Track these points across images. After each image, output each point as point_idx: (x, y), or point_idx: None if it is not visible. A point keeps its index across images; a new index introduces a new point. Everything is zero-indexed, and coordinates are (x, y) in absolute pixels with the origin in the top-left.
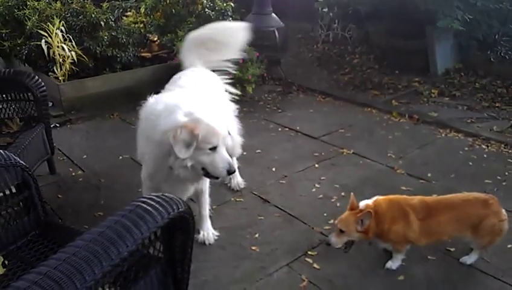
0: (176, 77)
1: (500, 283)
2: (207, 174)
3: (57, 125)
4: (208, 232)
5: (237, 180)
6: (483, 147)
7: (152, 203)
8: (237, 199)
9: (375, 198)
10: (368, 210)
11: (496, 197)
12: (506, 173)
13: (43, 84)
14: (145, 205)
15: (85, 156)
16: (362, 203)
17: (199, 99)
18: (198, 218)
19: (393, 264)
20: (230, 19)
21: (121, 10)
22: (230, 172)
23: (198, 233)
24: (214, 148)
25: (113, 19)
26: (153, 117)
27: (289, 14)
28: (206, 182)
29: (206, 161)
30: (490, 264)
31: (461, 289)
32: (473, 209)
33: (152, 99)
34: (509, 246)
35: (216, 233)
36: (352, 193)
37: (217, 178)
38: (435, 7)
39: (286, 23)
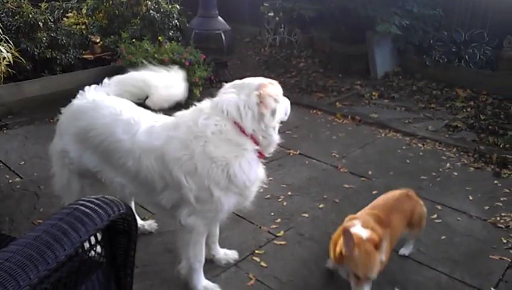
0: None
1: (435, 272)
2: None
3: None
4: (225, 251)
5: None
6: (420, 145)
7: (91, 205)
8: None
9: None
10: None
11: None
12: (440, 170)
13: None
14: (83, 208)
15: (23, 162)
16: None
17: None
18: (210, 243)
19: None
20: (176, 21)
21: (61, 11)
22: None
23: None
24: None
25: (52, 20)
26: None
27: (236, 17)
28: None
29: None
30: (426, 255)
31: (400, 279)
32: (406, 205)
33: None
34: (443, 237)
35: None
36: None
37: None
38: (374, 13)
39: (233, 27)
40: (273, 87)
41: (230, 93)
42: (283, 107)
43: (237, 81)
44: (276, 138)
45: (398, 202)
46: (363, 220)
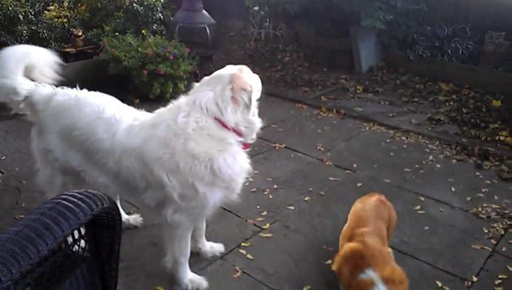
0: None
1: (419, 261)
2: None
3: None
4: (211, 245)
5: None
6: (403, 138)
7: (74, 199)
8: None
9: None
10: None
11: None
12: (423, 162)
13: None
14: (65, 202)
15: (4, 157)
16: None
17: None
18: (197, 236)
19: None
20: (160, 14)
21: (42, 4)
22: None
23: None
24: None
25: (33, 13)
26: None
27: (221, 11)
28: None
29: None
30: (409, 245)
31: None
32: (384, 211)
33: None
34: (426, 228)
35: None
36: None
37: None
38: (358, 8)
39: (218, 21)
40: (244, 76)
41: (205, 90)
42: (256, 90)
43: (206, 78)
44: (257, 122)
45: (377, 209)
46: (377, 270)
